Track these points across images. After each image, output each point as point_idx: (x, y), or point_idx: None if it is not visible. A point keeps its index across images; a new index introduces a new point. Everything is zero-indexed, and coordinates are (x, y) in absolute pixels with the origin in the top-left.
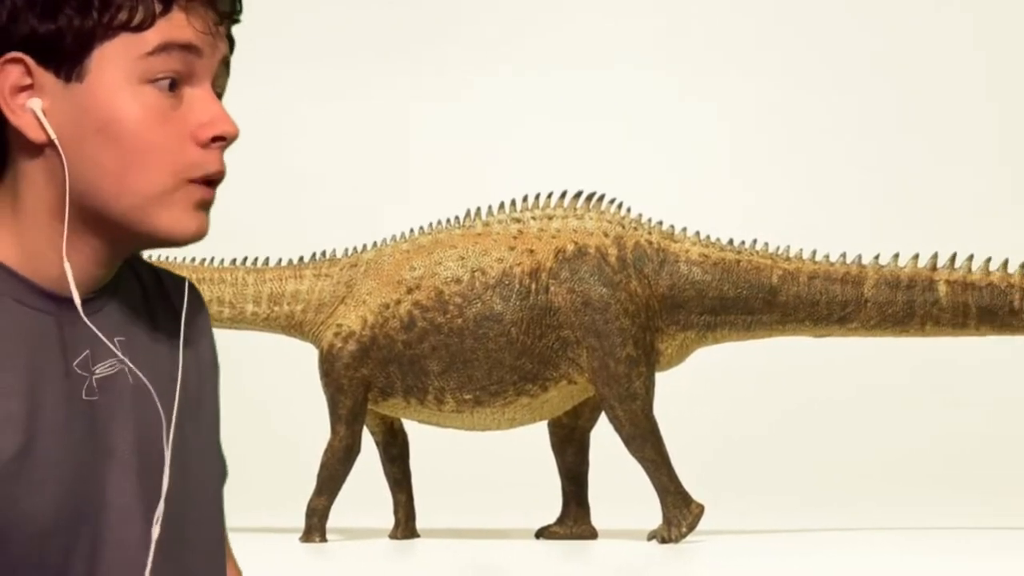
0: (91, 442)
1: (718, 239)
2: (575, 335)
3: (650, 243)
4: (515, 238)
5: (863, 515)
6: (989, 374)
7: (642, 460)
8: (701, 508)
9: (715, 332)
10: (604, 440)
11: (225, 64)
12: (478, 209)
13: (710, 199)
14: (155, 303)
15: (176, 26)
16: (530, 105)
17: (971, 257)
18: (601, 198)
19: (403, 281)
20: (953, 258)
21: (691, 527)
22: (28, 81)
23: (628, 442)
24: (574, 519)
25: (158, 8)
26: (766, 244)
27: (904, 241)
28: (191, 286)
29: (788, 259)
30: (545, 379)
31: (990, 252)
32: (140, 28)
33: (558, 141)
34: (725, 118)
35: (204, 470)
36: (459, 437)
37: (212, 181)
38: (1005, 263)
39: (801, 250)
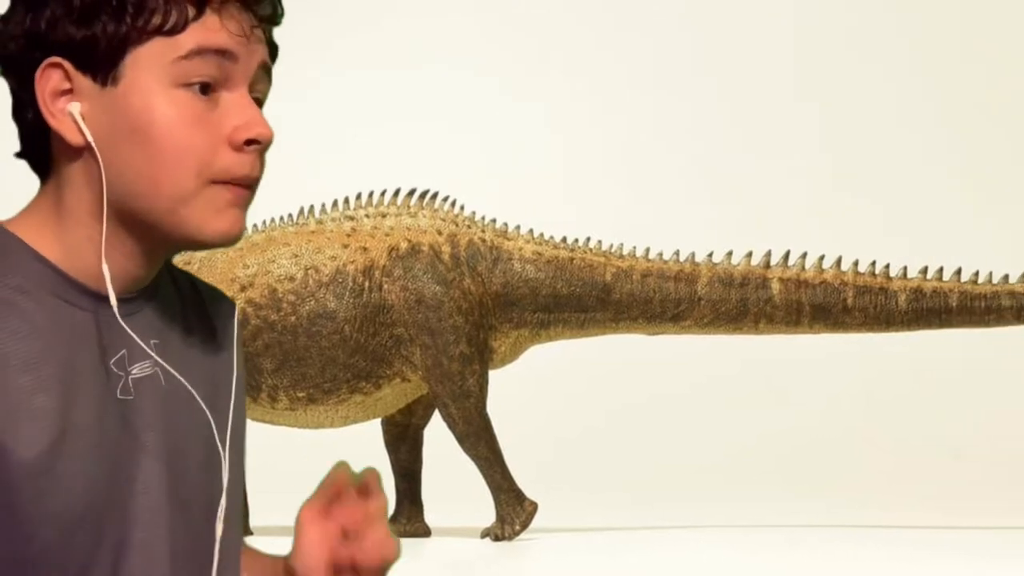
0: (122, 441)
1: (551, 237)
2: (409, 333)
3: (484, 241)
4: (349, 236)
5: (695, 512)
6: (822, 371)
7: (476, 458)
8: (534, 506)
9: (549, 330)
10: (438, 438)
11: (265, 70)
12: (311, 207)
13: (544, 197)
14: (190, 311)
15: (210, 30)
16: (363, 104)
17: (804, 255)
18: (435, 196)
19: (236, 279)
20: (786, 256)
21: (524, 525)
22: (67, 85)
23: (462, 440)
24: (407, 517)
25: (191, 12)
26: (599, 242)
27: (738, 239)
28: (231, 301)
29: (622, 257)
30: (379, 377)
31: (824, 250)
32: (173, 32)
33: (391, 139)
34: (558, 117)
35: (235, 476)
36: (293, 435)
37: (247, 183)
38: (838, 261)
39: (635, 248)
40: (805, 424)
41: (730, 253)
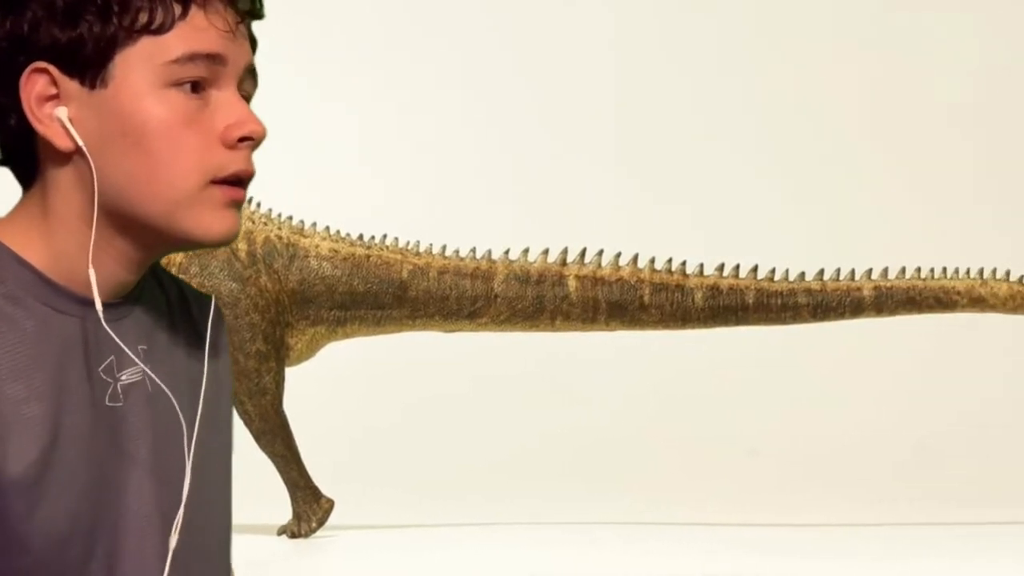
0: (112, 448)
1: (348, 234)
2: None
3: (280, 238)
4: None
5: (490, 509)
6: (618, 368)
7: (272, 455)
8: (331, 503)
9: (345, 327)
10: (235, 435)
11: (251, 73)
12: None
13: (340, 195)
14: (176, 314)
15: (198, 29)
16: None
17: (601, 252)
18: None
19: None
20: (583, 253)
21: (321, 522)
22: (53, 91)
23: (258, 437)
24: None
25: (177, 10)
26: (396, 239)
27: (535, 237)
28: (216, 303)
29: (418, 254)
30: None
31: (621, 248)
32: (161, 31)
33: None
34: (355, 113)
35: (217, 481)
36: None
37: (241, 181)
38: (635, 258)
39: (431, 245)
40: (601, 421)
41: (526, 250)
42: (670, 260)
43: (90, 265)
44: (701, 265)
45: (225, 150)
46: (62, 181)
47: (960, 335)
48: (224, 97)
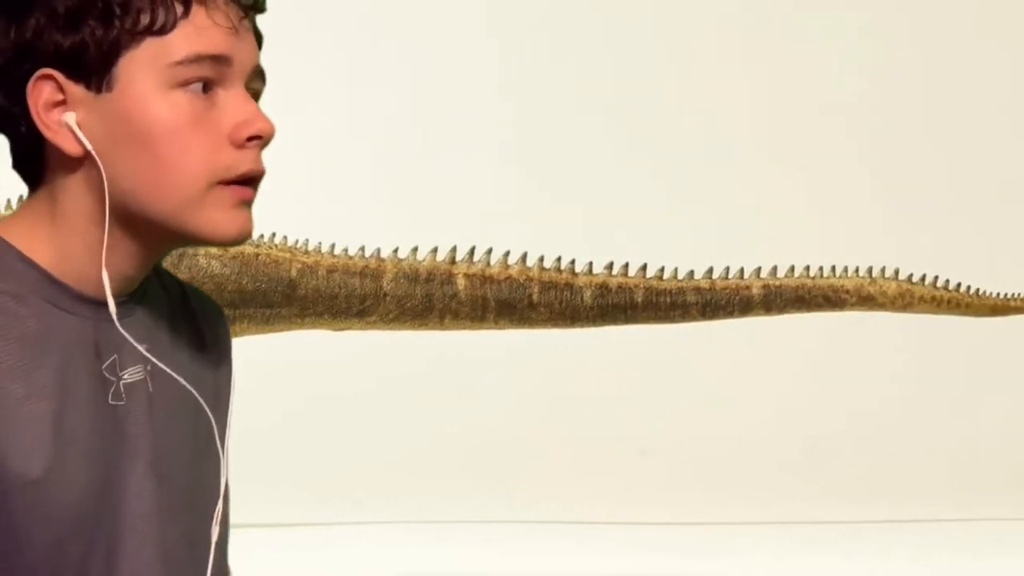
0: (114, 447)
1: None
2: None
3: None
4: None
5: (383, 508)
6: (508, 367)
7: None
8: None
9: (234, 325)
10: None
11: (259, 70)
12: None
13: None
14: (179, 315)
15: (201, 28)
16: None
17: (490, 251)
18: None
19: None
20: (472, 252)
21: None
22: (60, 97)
23: None
24: None
25: (179, 9)
26: (285, 237)
27: (424, 235)
28: (218, 305)
29: (307, 253)
30: None
31: (510, 246)
32: (163, 31)
33: None
34: None
35: (215, 481)
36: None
37: (251, 180)
38: (524, 257)
39: (320, 244)
40: (491, 420)
41: (415, 249)
42: (559, 259)
43: (103, 267)
44: (590, 264)
45: (234, 150)
46: (71, 184)
47: (849, 333)
48: (231, 96)
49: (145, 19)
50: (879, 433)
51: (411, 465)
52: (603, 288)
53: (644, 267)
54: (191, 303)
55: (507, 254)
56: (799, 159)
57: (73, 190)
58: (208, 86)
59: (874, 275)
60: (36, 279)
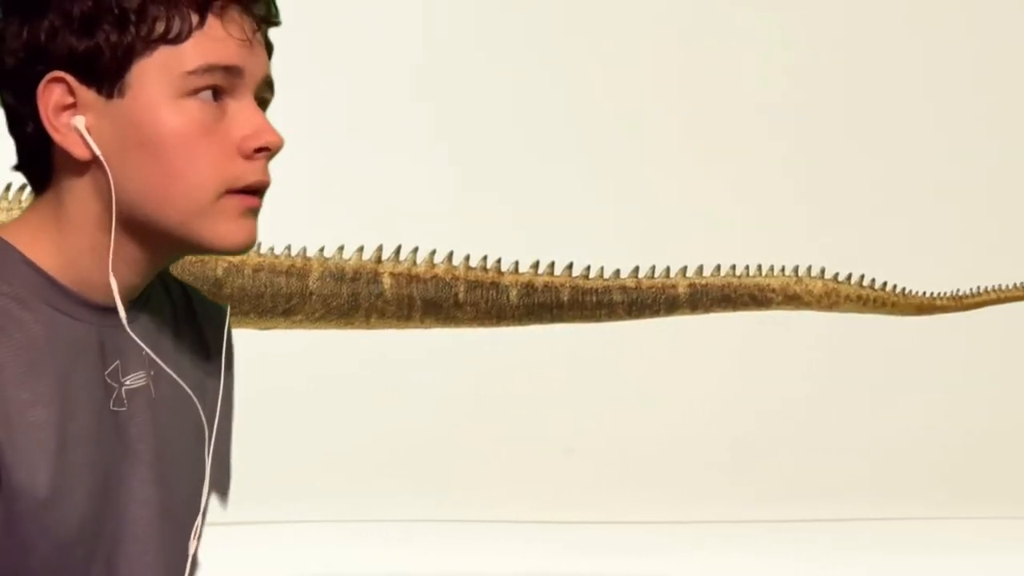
0: (117, 453)
1: None
2: None
3: None
4: None
5: (304, 507)
6: (434, 367)
7: None
8: None
9: None
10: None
11: (268, 81)
12: None
13: None
14: (182, 320)
15: (215, 39)
16: None
17: (416, 250)
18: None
19: None
20: (398, 251)
21: None
22: (71, 100)
23: None
24: None
25: (194, 20)
26: None
27: (350, 234)
28: (222, 308)
29: None
30: None
31: (436, 245)
32: (177, 41)
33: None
34: None
35: (216, 488)
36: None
37: (257, 190)
38: (450, 256)
39: None
40: (418, 420)
41: (341, 248)
42: (485, 258)
43: (110, 273)
44: (516, 263)
45: (242, 160)
46: (78, 188)
47: (775, 333)
48: (241, 107)
49: (160, 27)
50: (805, 432)
51: (338, 465)
52: (529, 287)
53: (570, 266)
54: (194, 307)
55: (433, 253)
56: (725, 158)
57: (80, 195)
58: (218, 95)
59: (800, 274)
60: (40, 283)
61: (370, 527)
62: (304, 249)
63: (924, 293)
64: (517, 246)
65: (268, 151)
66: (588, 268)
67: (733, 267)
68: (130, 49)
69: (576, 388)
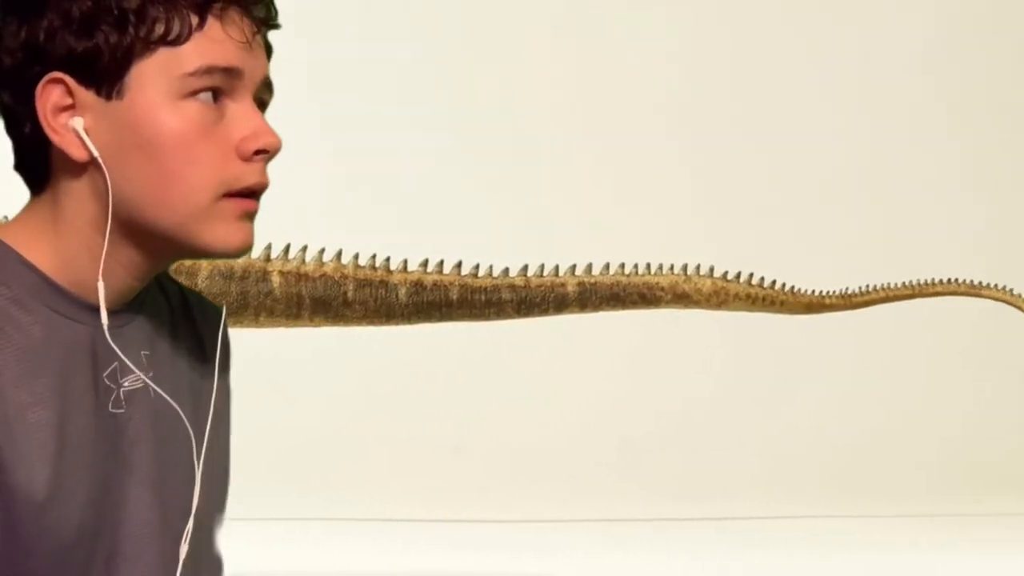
0: (115, 455)
1: None
2: None
3: None
4: None
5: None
6: (323, 366)
7: None
8: None
9: None
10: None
11: (267, 83)
12: None
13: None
14: (179, 321)
15: (214, 40)
16: None
17: (305, 248)
18: None
19: None
20: (287, 249)
21: None
22: (69, 101)
23: None
24: None
25: (194, 21)
26: None
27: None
28: (218, 309)
29: None
30: None
31: (325, 244)
32: (177, 42)
33: None
34: None
35: (215, 486)
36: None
37: (254, 192)
38: (339, 254)
39: None
40: (307, 419)
41: None
42: (374, 256)
43: (99, 277)
44: (405, 261)
45: (240, 162)
46: (75, 189)
47: (664, 331)
48: (240, 109)
49: (160, 29)
50: (693, 431)
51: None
52: (418, 285)
53: (459, 264)
54: (191, 308)
55: (322, 251)
56: (615, 157)
57: (77, 196)
58: (218, 97)
59: (689, 272)
60: (37, 284)
61: (256, 526)
62: None
63: (813, 292)
64: (406, 245)
65: (267, 153)
66: (477, 267)
67: (622, 266)
68: (129, 50)
69: (465, 387)
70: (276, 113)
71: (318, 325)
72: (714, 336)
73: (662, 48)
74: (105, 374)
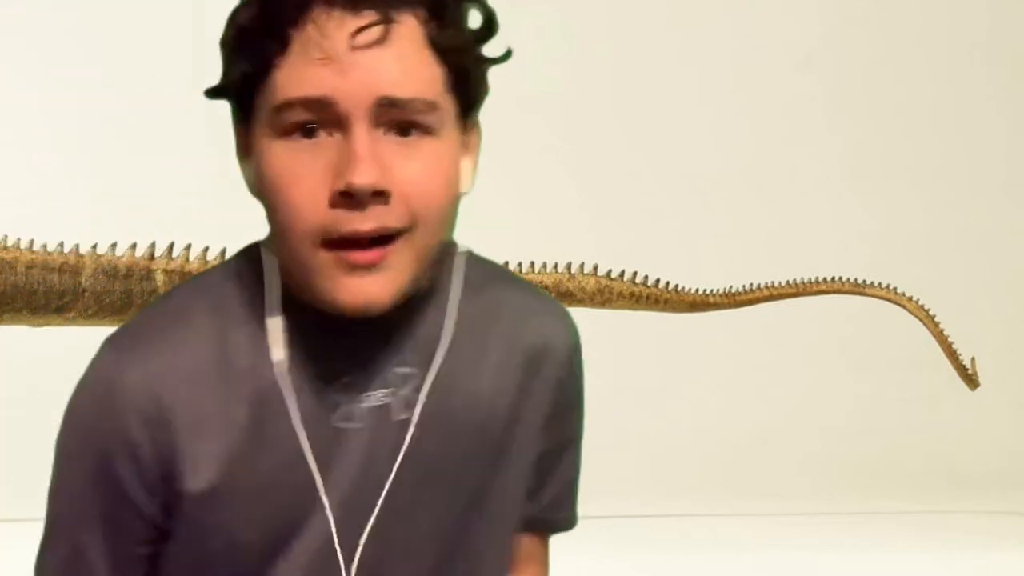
0: (306, 466)
1: None
2: None
3: None
4: None
5: None
6: None
7: None
8: None
9: None
10: None
11: (391, 104)
12: None
13: None
14: (491, 332)
15: (295, 67)
16: None
17: (189, 246)
18: None
19: None
20: (171, 247)
21: None
22: (246, 140)
23: None
24: None
25: (277, 48)
26: None
27: (123, 231)
28: (567, 327)
29: (5, 248)
30: None
31: (208, 242)
32: (266, 72)
33: None
34: None
35: (496, 518)
36: None
37: (359, 241)
38: (223, 252)
39: (19, 239)
40: None
41: (114, 245)
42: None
43: (278, 316)
44: None
45: (329, 208)
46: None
47: None
48: (338, 144)
49: (256, 59)
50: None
51: None
52: None
53: None
54: (503, 322)
55: (206, 250)
56: (499, 154)
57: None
58: (316, 131)
59: (573, 271)
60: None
61: None
62: (77, 246)
63: (697, 290)
64: None
65: (351, 196)
66: None
67: (506, 263)
68: (243, 81)
69: None
70: (160, 115)
71: None
72: (597, 334)
73: (544, 41)
74: (336, 384)
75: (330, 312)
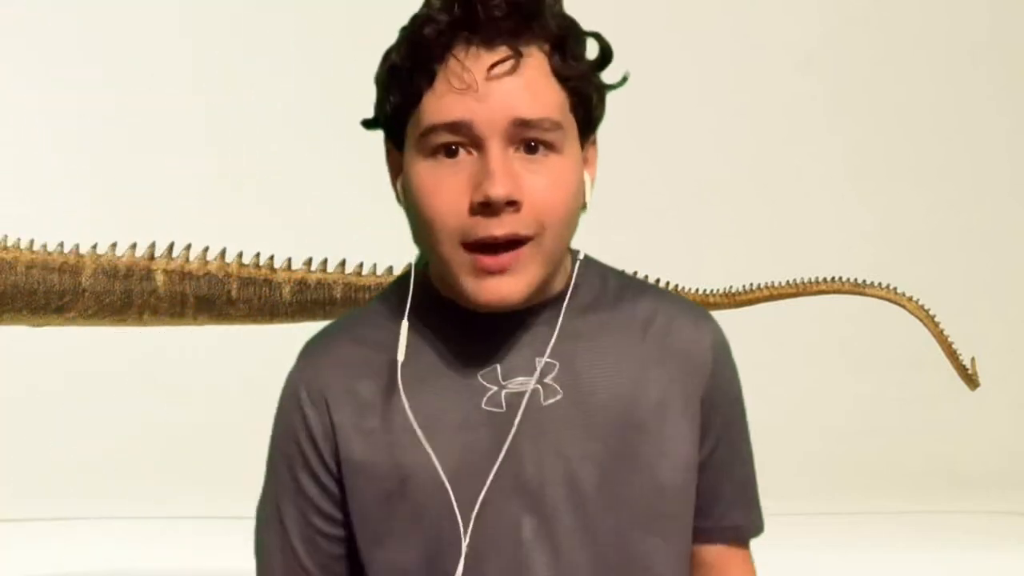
0: (479, 452)
1: None
2: None
3: None
4: None
5: (85, 505)
6: (208, 364)
7: None
8: None
9: None
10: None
11: (524, 124)
12: None
13: None
14: (632, 330)
15: (437, 96)
16: None
17: (189, 247)
18: None
19: None
20: (171, 248)
21: None
22: (398, 162)
23: None
24: None
25: (423, 80)
26: None
27: (124, 231)
28: (714, 334)
29: (6, 248)
30: None
31: (209, 242)
32: (415, 101)
33: None
34: None
35: (656, 520)
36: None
37: (492, 245)
38: (223, 252)
39: (19, 239)
40: (193, 416)
41: (114, 245)
42: (258, 255)
43: (404, 320)
44: (289, 260)
45: (469, 216)
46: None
47: None
48: (473, 161)
49: (406, 92)
50: None
51: (109, 462)
52: (302, 284)
53: (343, 263)
54: (656, 324)
55: (206, 250)
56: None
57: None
58: (455, 152)
59: None
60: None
61: (141, 524)
62: (77, 246)
63: (697, 290)
64: (290, 243)
65: (487, 206)
66: (361, 265)
67: None
68: (398, 109)
69: None
70: (161, 116)
71: (202, 324)
72: None
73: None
74: (481, 373)
75: (474, 309)
